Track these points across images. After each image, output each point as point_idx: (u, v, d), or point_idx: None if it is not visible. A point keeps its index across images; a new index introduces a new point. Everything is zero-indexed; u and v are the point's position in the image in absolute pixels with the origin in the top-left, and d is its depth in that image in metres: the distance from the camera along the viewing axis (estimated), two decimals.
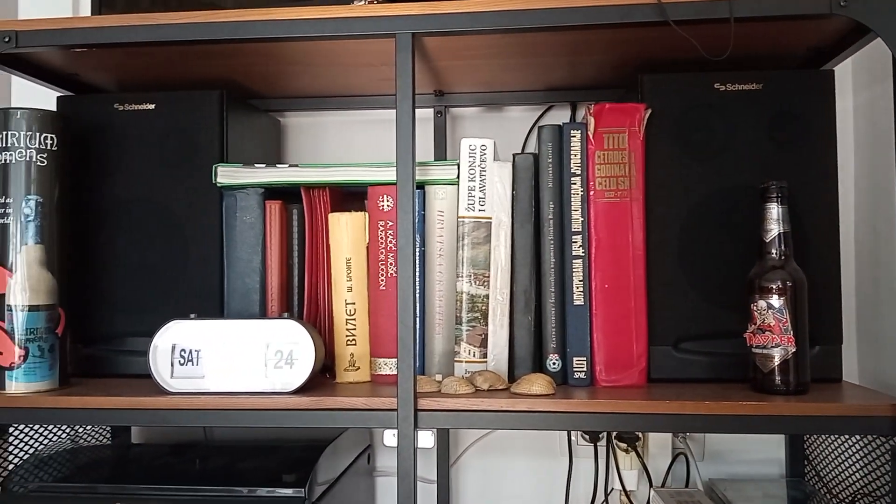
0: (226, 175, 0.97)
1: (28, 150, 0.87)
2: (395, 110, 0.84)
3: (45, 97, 1.13)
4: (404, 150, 0.84)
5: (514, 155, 0.94)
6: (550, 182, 0.92)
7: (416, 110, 0.85)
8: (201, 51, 0.95)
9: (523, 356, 0.93)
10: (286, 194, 0.99)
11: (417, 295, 0.90)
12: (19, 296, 0.87)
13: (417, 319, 0.84)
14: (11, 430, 1.03)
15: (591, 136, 0.91)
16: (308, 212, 0.97)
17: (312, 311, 0.98)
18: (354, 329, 0.94)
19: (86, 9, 1.33)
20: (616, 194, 0.90)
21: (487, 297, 0.93)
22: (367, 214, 0.95)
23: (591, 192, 0.91)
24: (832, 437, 1.02)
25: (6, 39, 0.89)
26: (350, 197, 1.04)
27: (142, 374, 0.96)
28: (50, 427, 1.11)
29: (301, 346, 0.86)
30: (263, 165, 0.96)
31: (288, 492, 0.89)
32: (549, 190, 0.92)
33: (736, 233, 0.92)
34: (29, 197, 0.87)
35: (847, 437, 0.97)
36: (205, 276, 0.99)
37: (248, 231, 0.98)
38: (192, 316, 0.88)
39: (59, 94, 1.06)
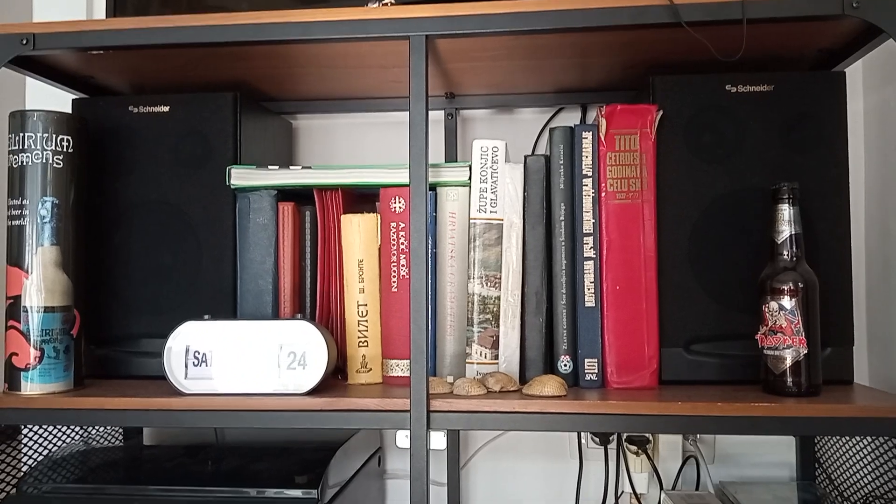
0: (239, 177, 0.97)
1: (44, 152, 0.88)
2: (405, 112, 0.85)
3: (58, 99, 1.14)
4: (417, 151, 0.84)
5: (525, 156, 0.94)
6: (562, 183, 0.92)
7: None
8: (215, 53, 0.96)
9: (534, 358, 0.93)
10: (299, 196, 1.00)
11: (429, 296, 0.90)
12: (35, 297, 0.87)
13: (429, 321, 0.85)
14: (25, 431, 1.04)
15: (602, 138, 0.91)
16: (321, 213, 0.97)
17: (325, 313, 0.98)
18: (366, 330, 0.94)
19: (99, 13, 1.34)
20: (627, 196, 0.91)
21: (499, 298, 0.93)
22: (379, 216, 0.95)
23: (603, 194, 0.91)
24: (843, 439, 1.02)
25: (24, 41, 0.90)
26: (362, 199, 1.05)
27: (156, 376, 0.97)
28: (62, 429, 1.12)
29: (313, 347, 0.86)
30: (277, 167, 0.97)
31: (300, 493, 0.89)
32: (560, 191, 0.92)
33: (747, 234, 0.92)
34: (45, 198, 0.88)
35: (858, 439, 0.97)
36: (218, 277, 0.99)
37: (261, 233, 0.98)
38: (206, 317, 0.88)
39: (74, 97, 1.07)
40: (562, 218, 0.92)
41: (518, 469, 1.26)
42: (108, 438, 1.18)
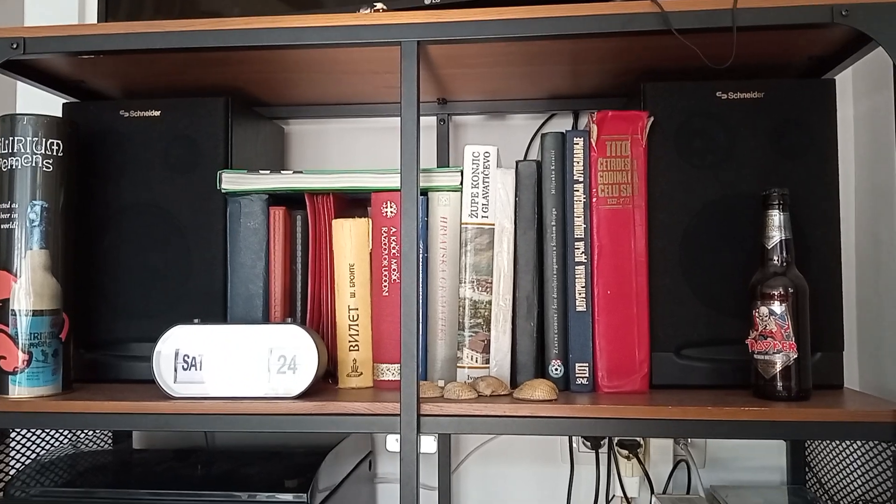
0: (230, 181, 0.97)
1: (34, 156, 0.88)
2: (398, 118, 0.85)
3: (48, 103, 1.14)
4: (409, 156, 0.84)
5: (517, 162, 0.94)
6: (553, 189, 0.92)
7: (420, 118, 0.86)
8: (207, 58, 0.96)
9: (526, 362, 0.93)
10: (290, 200, 1.00)
11: (420, 301, 0.90)
12: (23, 301, 0.87)
13: (420, 325, 0.85)
14: (13, 435, 1.03)
15: (593, 144, 0.91)
16: (312, 218, 0.97)
17: (315, 317, 0.98)
18: (357, 335, 0.94)
19: (91, 17, 1.34)
20: (618, 201, 0.91)
21: (490, 303, 0.93)
22: (370, 221, 0.95)
23: (594, 199, 0.91)
24: (833, 443, 1.02)
25: (14, 45, 0.89)
26: (354, 203, 1.05)
27: (145, 380, 0.97)
28: (51, 432, 1.11)
29: (304, 351, 0.86)
30: (268, 172, 0.97)
31: (290, 497, 0.89)
32: (551, 197, 0.92)
33: (738, 240, 0.93)
34: (34, 202, 0.88)
35: (848, 443, 0.98)
36: (208, 281, 0.99)
37: (252, 237, 0.98)
38: (196, 321, 0.88)
39: (65, 101, 1.06)
40: (553, 223, 0.92)
41: (509, 473, 1.26)
42: (98, 442, 1.17)
